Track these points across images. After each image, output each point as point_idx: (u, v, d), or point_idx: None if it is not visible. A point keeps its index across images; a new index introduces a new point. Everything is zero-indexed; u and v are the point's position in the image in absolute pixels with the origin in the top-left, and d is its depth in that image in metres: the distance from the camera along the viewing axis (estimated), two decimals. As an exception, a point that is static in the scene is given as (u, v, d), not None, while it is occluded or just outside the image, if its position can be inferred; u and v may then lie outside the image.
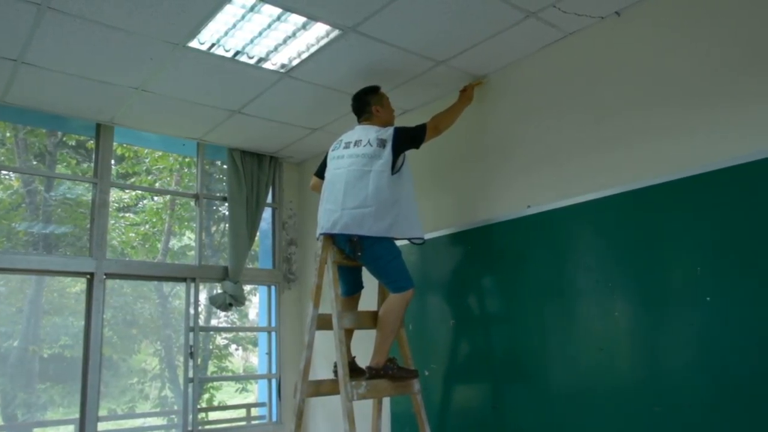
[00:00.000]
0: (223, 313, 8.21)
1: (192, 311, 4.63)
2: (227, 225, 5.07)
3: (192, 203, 5.04)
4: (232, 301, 4.70)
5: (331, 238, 3.12)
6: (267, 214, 5.29)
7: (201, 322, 5.03)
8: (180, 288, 7.73)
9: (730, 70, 2.65)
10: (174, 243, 8.53)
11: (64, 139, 7.37)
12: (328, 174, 3.24)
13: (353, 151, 3.14)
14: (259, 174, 5.02)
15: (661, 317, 2.66)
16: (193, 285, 4.67)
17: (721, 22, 2.70)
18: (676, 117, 2.80)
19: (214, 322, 8.29)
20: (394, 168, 3.07)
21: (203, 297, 6.49)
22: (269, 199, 5.24)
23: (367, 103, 3.35)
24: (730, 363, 2.43)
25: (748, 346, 2.38)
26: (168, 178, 8.19)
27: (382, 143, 3.08)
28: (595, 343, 2.88)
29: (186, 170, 7.94)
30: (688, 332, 2.56)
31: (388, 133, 3.14)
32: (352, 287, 3.39)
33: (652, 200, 2.75)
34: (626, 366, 2.77)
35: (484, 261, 3.51)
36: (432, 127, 3.30)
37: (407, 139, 3.16)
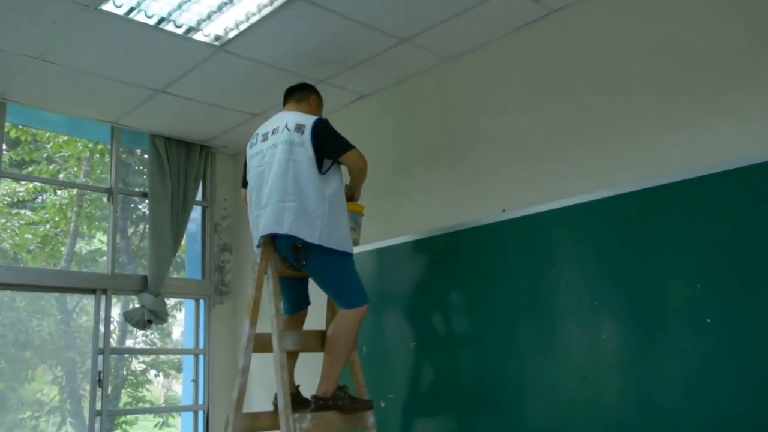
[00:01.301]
0: (140, 333, 8.06)
1: (102, 330, 4.53)
2: (147, 226, 4.99)
3: (104, 199, 4.93)
4: (152, 317, 4.63)
5: (272, 244, 3.09)
6: (196, 213, 5.23)
7: (113, 343, 4.91)
8: (88, 301, 7.51)
9: (746, 51, 2.68)
10: (81, 246, 8.35)
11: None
12: (249, 177, 3.22)
13: (272, 141, 3.12)
14: (187, 166, 4.96)
15: (654, 341, 2.70)
16: (104, 298, 4.57)
17: None
18: (679, 107, 2.84)
19: (129, 343, 8.13)
20: (321, 167, 3.04)
21: (116, 312, 6.32)
22: (199, 196, 5.17)
23: (306, 90, 3.36)
24: (733, 396, 2.46)
25: (754, 377, 2.42)
26: (75, 169, 8.02)
27: (299, 128, 3.06)
28: (578, 370, 2.91)
29: (97, 159, 7.80)
30: (686, 359, 2.60)
31: (307, 119, 3.11)
32: (296, 303, 3.36)
33: (648, 205, 2.79)
34: (614, 397, 2.80)
35: (451, 273, 3.51)
36: (362, 157, 3.13)
37: (328, 136, 3.07)
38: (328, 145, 3.06)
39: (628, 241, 2.83)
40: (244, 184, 3.32)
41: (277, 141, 3.10)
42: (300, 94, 3.35)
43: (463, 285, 3.46)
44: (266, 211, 3.03)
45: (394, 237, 3.84)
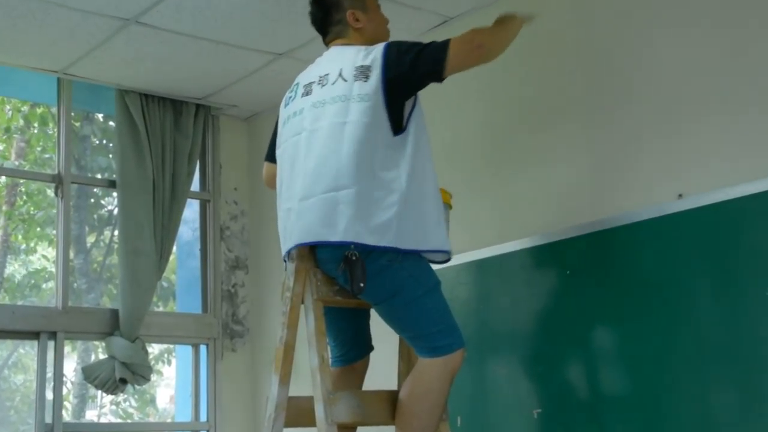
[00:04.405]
0: (108, 398, 8.26)
1: (50, 395, 4.65)
2: (117, 232, 5.08)
3: (49, 192, 5.08)
4: (126, 374, 4.72)
5: (313, 257, 3.15)
6: (192, 210, 5.35)
7: (66, 416, 5.02)
8: (27, 351, 7.72)
9: None
10: (15, 267, 8.58)
11: None
12: (280, 149, 3.30)
13: (318, 97, 3.18)
14: (177, 137, 5.07)
15: None
16: (52, 345, 4.68)
17: None
18: None
19: (91, 415, 8.33)
20: (398, 123, 3.09)
21: (71, 368, 6.50)
22: (196, 185, 5.30)
23: (336, 7, 3.37)
24: None
25: None
26: (2, 146, 8.24)
27: (362, 73, 3.10)
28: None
29: (37, 131, 7.98)
30: None
31: (372, 54, 3.15)
32: (351, 348, 3.42)
33: None
34: None
35: (594, 297, 3.53)
36: (469, 40, 3.20)
37: (414, 61, 3.11)
38: (425, 70, 3.09)
39: None
40: (270, 157, 3.41)
41: (326, 97, 3.15)
42: (333, 24, 3.37)
43: (614, 316, 3.47)
44: (307, 205, 3.07)
45: (501, 242, 3.87)
